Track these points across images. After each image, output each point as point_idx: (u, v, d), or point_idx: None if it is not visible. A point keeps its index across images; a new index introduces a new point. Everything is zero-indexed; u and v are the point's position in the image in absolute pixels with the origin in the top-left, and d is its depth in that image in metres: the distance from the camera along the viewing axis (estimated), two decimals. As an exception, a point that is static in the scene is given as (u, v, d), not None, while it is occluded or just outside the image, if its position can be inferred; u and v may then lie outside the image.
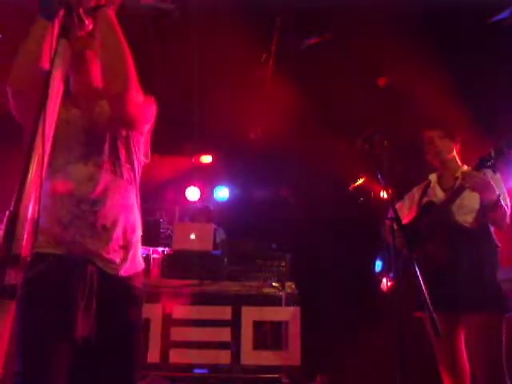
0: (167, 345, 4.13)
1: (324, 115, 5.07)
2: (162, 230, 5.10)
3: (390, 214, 2.51)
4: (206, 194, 6.38)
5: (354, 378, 3.04)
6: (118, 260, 1.84)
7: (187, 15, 4.17)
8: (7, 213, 1.14)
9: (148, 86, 1.89)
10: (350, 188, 3.28)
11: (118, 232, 1.86)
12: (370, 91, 5.23)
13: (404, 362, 2.01)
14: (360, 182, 3.20)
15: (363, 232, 4.63)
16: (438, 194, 2.82)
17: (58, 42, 1.32)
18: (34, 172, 1.19)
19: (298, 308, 4.33)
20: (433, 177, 2.92)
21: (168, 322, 4.19)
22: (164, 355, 4.10)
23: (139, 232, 1.96)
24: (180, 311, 4.25)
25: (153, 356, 4.07)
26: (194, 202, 6.21)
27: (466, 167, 2.80)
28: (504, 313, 2.51)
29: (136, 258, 1.94)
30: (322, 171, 5.28)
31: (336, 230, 5.45)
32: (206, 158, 6.44)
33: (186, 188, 6.25)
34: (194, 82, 5.00)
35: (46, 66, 1.39)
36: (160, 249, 4.67)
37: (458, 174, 2.74)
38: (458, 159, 2.86)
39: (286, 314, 4.32)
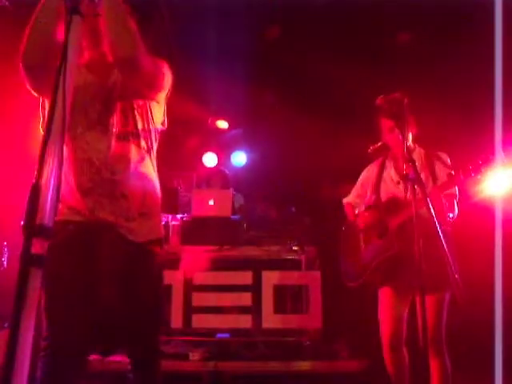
0: (189, 310, 4.18)
1: (342, 77, 4.93)
2: (180, 197, 5.08)
3: (411, 175, 2.45)
4: (224, 159, 6.33)
5: (375, 341, 3.03)
6: (137, 227, 1.88)
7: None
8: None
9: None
10: (369, 150, 3.18)
11: (137, 199, 1.89)
12: (391, 49, 5.08)
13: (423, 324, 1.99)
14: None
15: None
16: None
17: (72, 18, 1.33)
18: (54, 141, 1.21)
19: (319, 272, 4.32)
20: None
21: (189, 287, 4.22)
22: (186, 320, 4.16)
23: (158, 199, 2.00)
24: (201, 277, 4.27)
25: (175, 321, 4.13)
26: (212, 168, 6.16)
27: None
28: None
29: (156, 224, 1.98)
30: (340, 133, 5.18)
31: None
32: (223, 124, 6.35)
33: (202, 154, 6.20)
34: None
35: (60, 38, 1.43)
36: (179, 216, 4.66)
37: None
38: None
39: (307, 278, 4.32)
